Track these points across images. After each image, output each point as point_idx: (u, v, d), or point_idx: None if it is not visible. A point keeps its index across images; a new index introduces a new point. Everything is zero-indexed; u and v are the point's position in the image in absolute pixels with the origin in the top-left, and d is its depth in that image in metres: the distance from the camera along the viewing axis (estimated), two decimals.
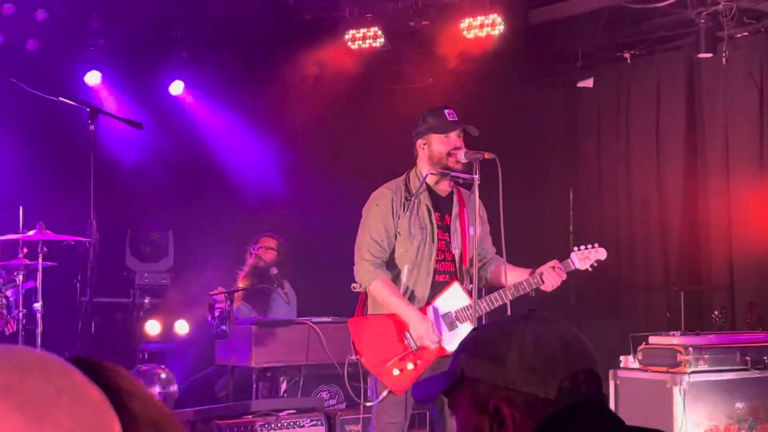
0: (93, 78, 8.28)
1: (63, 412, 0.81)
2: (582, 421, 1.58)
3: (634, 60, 8.26)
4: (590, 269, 4.74)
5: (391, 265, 4.68)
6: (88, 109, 5.33)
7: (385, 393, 4.58)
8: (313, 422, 5.91)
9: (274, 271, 7.09)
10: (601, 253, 4.73)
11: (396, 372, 4.57)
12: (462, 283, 4.71)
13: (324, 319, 6.60)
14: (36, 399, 0.80)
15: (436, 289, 4.68)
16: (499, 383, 1.61)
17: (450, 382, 1.69)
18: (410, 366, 4.58)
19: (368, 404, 4.64)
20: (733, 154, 7.62)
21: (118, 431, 0.85)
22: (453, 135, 4.68)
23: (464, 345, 1.71)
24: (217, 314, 6.32)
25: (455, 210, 4.79)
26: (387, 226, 4.66)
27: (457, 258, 4.75)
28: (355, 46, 8.26)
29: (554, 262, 4.66)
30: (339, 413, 6.03)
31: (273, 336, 6.41)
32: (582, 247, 4.73)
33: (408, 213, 4.65)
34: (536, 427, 1.58)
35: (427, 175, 4.69)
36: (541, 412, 1.58)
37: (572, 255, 4.71)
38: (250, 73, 8.72)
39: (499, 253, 4.78)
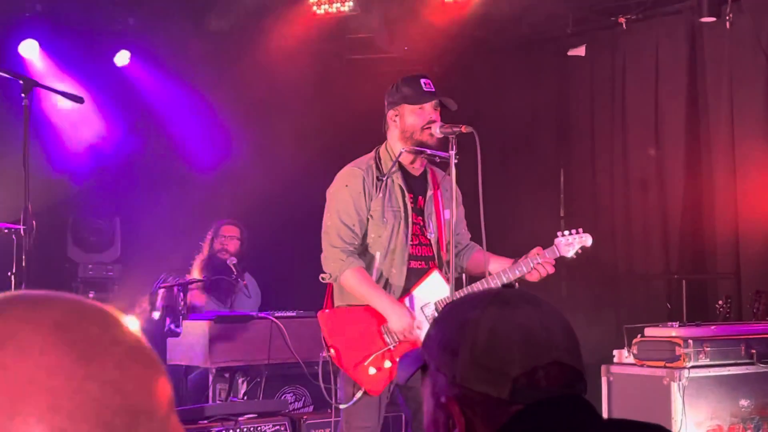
0: (28, 47, 8.25)
1: (112, 360, 0.90)
2: (545, 422, 1.54)
3: (630, 25, 8.30)
4: (575, 257, 4.78)
5: (362, 252, 4.70)
6: (21, 82, 5.31)
7: (359, 394, 4.58)
8: (276, 427, 5.93)
9: (233, 261, 7.11)
10: (587, 239, 4.75)
11: (372, 371, 4.58)
12: (441, 271, 4.75)
13: (288, 313, 6.61)
14: (88, 341, 0.90)
15: (412, 276, 4.70)
16: (453, 379, 1.58)
17: (416, 367, 1.69)
18: (388, 364, 4.59)
19: (342, 407, 4.65)
20: (740, 128, 7.67)
21: (167, 403, 0.93)
22: (428, 106, 4.69)
23: (430, 328, 1.71)
24: (159, 307, 6.32)
25: (429, 192, 4.82)
26: (359, 209, 4.66)
27: (433, 243, 4.79)
28: (321, 11, 8.26)
29: (537, 250, 4.69)
30: (305, 417, 6.05)
31: (231, 333, 6.41)
32: (566, 233, 4.76)
33: (380, 194, 4.67)
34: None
35: (401, 153, 4.71)
36: (499, 413, 1.55)
37: (556, 241, 4.73)
38: (204, 41, 8.69)
39: (478, 240, 4.80)
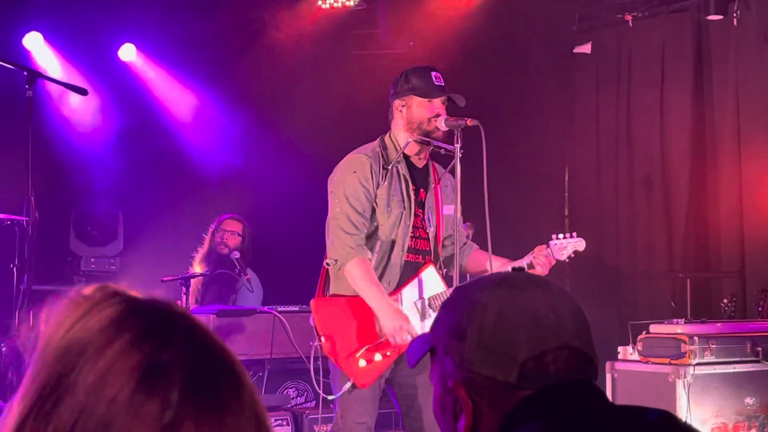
0: (33, 39, 8.23)
1: None
2: (553, 408, 1.50)
3: (637, 23, 8.28)
4: (567, 260, 4.75)
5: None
6: (25, 73, 5.29)
7: (348, 385, 4.50)
8: (278, 422, 5.92)
9: (236, 255, 7.08)
10: (580, 244, 4.72)
11: (362, 363, 4.49)
12: (437, 266, 4.71)
13: (290, 307, 6.58)
14: None
15: (408, 270, 4.65)
16: (460, 363, 1.55)
17: (423, 351, 1.66)
18: (378, 357, 4.50)
19: (330, 398, 4.59)
20: (746, 126, 7.65)
21: None
22: (437, 101, 4.66)
23: (439, 312, 1.69)
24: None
25: (431, 185, 4.79)
26: (368, 195, 4.57)
27: (431, 238, 4.75)
28: (326, 5, 8.25)
29: (539, 249, 4.67)
30: (307, 412, 6.04)
31: (233, 327, 6.39)
32: (560, 236, 4.72)
33: (386, 183, 4.62)
34: (503, 418, 1.51)
35: (408, 143, 4.67)
36: (506, 398, 1.51)
37: (551, 244, 4.69)
38: (209, 35, 8.67)
39: (483, 236, 4.76)
